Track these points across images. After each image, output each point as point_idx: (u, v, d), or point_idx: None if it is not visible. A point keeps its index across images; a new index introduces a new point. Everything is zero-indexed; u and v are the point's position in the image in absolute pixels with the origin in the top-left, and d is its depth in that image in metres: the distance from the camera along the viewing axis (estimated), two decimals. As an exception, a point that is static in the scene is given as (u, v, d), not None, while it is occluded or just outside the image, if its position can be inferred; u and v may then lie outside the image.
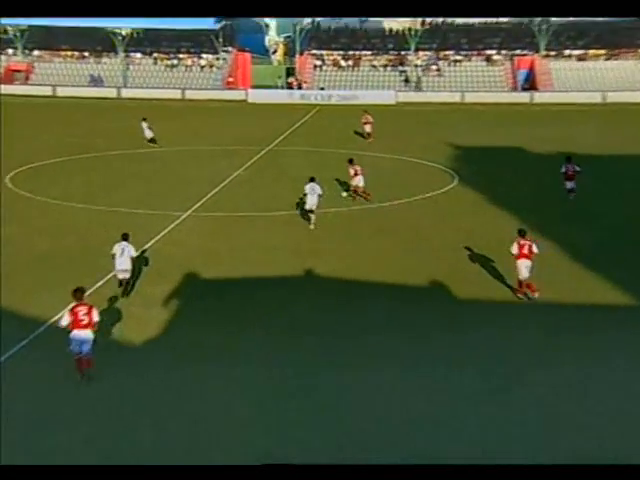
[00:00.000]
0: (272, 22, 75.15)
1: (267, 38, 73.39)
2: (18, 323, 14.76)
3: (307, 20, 66.21)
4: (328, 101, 57.58)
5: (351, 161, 25.41)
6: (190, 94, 59.47)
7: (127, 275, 16.51)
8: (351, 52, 64.92)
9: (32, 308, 15.44)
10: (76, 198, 24.87)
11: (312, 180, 22.33)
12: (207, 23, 60.22)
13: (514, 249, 16.27)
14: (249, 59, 64.88)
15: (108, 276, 17.21)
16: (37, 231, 21.18)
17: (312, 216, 21.97)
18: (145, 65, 64.02)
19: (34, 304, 15.66)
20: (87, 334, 12.66)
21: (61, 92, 59.03)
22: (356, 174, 24.88)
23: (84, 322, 12.69)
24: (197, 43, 64.97)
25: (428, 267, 18.38)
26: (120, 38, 61.91)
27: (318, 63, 64.25)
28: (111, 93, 59.37)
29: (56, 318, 14.78)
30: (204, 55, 64.33)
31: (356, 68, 63.68)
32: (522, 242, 16.31)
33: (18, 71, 62.41)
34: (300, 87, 60.64)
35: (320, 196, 22.01)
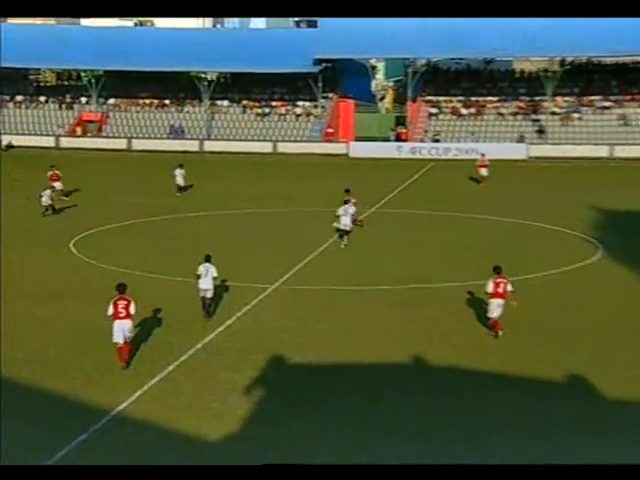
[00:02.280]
0: (380, 64, 77.09)
1: (374, 83, 75.24)
2: (76, 414, 15.39)
3: (421, 61, 67.56)
4: (444, 155, 58.00)
5: (347, 191, 31.23)
6: (283, 147, 61.39)
7: (209, 294, 20.73)
8: (474, 98, 65.58)
9: (93, 396, 16.14)
10: (147, 266, 25.91)
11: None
12: (305, 66, 62.20)
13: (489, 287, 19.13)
14: (352, 107, 66.53)
15: (182, 357, 17.89)
16: (101, 305, 22.20)
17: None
18: (232, 114, 66.70)
19: (96, 391, 16.38)
20: (125, 324, 17.58)
21: (137, 145, 62.32)
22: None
23: (122, 314, 17.61)
24: (293, 89, 67.34)
25: (567, 358, 18.03)
26: (205, 84, 65.01)
27: (434, 111, 65.15)
28: (193, 146, 62.06)
29: (121, 408, 15.45)
30: (300, 102, 66.48)
31: (479, 117, 64.10)
32: (497, 280, 19.01)
33: (91, 122, 66.50)
34: (405, 140, 61.59)
35: None
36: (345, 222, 29.30)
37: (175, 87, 68.20)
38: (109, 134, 65.13)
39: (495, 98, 65.48)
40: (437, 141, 61.09)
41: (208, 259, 21.01)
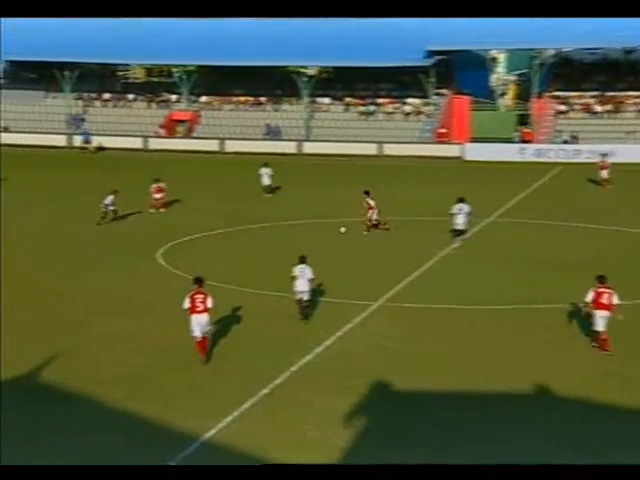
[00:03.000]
0: (501, 55, 76.08)
1: (493, 77, 74.37)
2: (159, 440, 15.75)
3: (550, 52, 66.36)
4: (575, 158, 56.83)
5: (367, 193, 34.64)
6: (389, 149, 61.36)
7: (306, 297, 22.18)
8: (610, 93, 64.01)
9: (179, 420, 16.45)
10: (238, 279, 26.34)
11: None
12: (415, 59, 62.03)
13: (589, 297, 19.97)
14: (468, 104, 65.96)
15: (276, 381, 18.13)
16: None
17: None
18: (334, 112, 67.16)
19: (181, 415, 16.71)
20: (203, 318, 19.29)
21: (230, 146, 63.56)
22: (370, 208, 33.88)
23: (200, 308, 19.27)
24: (401, 84, 67.29)
25: None
26: (305, 79, 65.73)
27: (562, 108, 63.93)
28: (290, 147, 62.80)
29: (209, 435, 15.77)
30: (409, 99, 66.38)
31: (617, 114, 62.53)
32: (600, 290, 19.72)
33: (181, 121, 68.22)
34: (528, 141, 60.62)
35: None
36: (459, 221, 31.50)
37: (272, 83, 69.13)
38: (200, 134, 66.57)
39: (636, 93, 63.68)
40: (566, 142, 59.88)
41: (303, 260, 22.37)
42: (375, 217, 34.40)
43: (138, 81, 75.62)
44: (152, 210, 38.56)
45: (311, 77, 66.16)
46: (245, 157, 59.25)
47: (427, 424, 16.59)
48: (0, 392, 17.60)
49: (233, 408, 16.86)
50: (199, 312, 19.34)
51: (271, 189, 43.14)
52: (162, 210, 38.91)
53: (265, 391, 17.76)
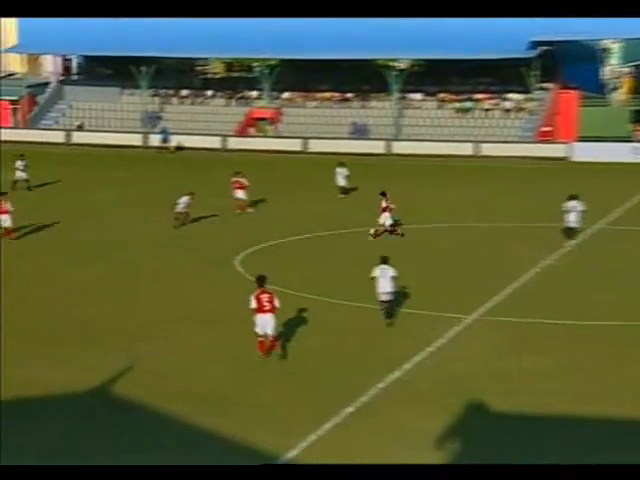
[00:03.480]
0: (615, 45, 74.40)
1: (605, 69, 72.83)
2: (235, 458, 15.80)
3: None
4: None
5: (384, 194, 34.93)
6: (487, 149, 60.66)
7: (388, 297, 23.07)
8: None
9: (255, 438, 16.49)
10: (320, 289, 26.49)
11: None
12: (517, 50, 61.08)
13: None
14: (576, 99, 64.84)
15: (362, 398, 18.00)
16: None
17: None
18: (426, 109, 66.90)
19: (259, 432, 16.75)
20: (270, 318, 20.51)
21: (314, 146, 63.72)
22: (385, 210, 34.19)
23: (267, 307, 20.55)
24: (501, 78, 66.49)
25: None
26: (395, 74, 65.51)
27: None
28: (378, 147, 62.59)
29: (291, 455, 15.75)
30: (510, 95, 65.65)
31: None
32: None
33: (262, 119, 68.75)
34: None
35: None
36: (572, 219, 32.29)
37: (359, 78, 69.16)
38: (282, 133, 67.01)
39: None
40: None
41: (385, 261, 23.43)
42: (389, 221, 34.38)
43: (217, 76, 76.55)
44: (238, 211, 39.10)
45: (402, 71, 65.98)
46: (329, 157, 59.26)
47: (530, 448, 16.21)
48: (0, 392, 18.24)
49: (315, 427, 16.84)
50: (266, 312, 20.56)
51: (345, 190, 43.83)
52: (249, 210, 39.43)
53: (350, 409, 17.71)
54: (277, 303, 20.70)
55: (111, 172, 52.39)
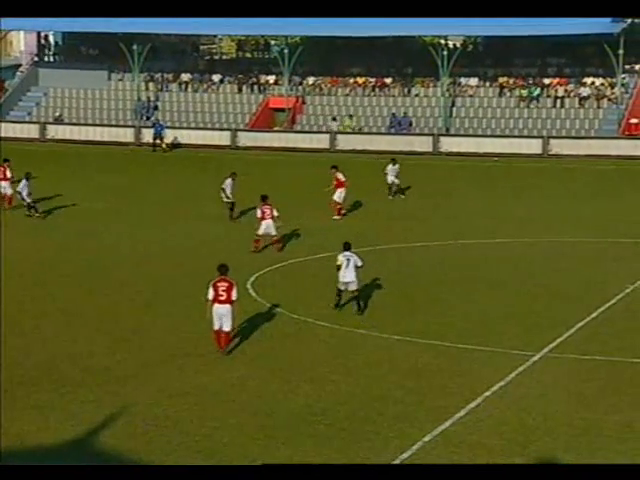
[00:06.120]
0: None
1: None
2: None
3: None
4: None
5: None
6: (558, 145, 60.21)
7: (352, 287, 26.55)
8: None
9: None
10: (350, 318, 26.53)
11: None
12: (597, 24, 60.04)
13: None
14: (673, 85, 64.64)
15: (414, 447, 17.86)
16: (294, 374, 22.58)
17: None
18: (483, 97, 66.58)
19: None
20: (226, 309, 22.85)
21: (343, 142, 63.36)
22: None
23: (223, 297, 22.80)
24: (576, 59, 66.23)
25: None
26: (445, 53, 65.02)
27: None
28: (423, 144, 62.15)
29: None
30: (588, 79, 65.32)
31: None
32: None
33: (281, 110, 68.55)
34: None
35: None
36: None
37: (400, 59, 69.14)
38: (305, 127, 66.90)
39: None
40: None
41: (348, 247, 26.72)
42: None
43: (226, 57, 76.67)
44: (336, 217, 40.23)
45: (452, 50, 65.66)
46: (363, 157, 59.07)
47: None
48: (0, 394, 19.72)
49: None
50: (223, 302, 22.88)
51: (399, 190, 45.99)
52: (337, 217, 40.38)
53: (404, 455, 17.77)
54: (235, 295, 23.02)
55: (98, 175, 52.33)
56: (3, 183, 41.79)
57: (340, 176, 41.05)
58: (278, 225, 34.41)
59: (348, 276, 26.40)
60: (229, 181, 39.53)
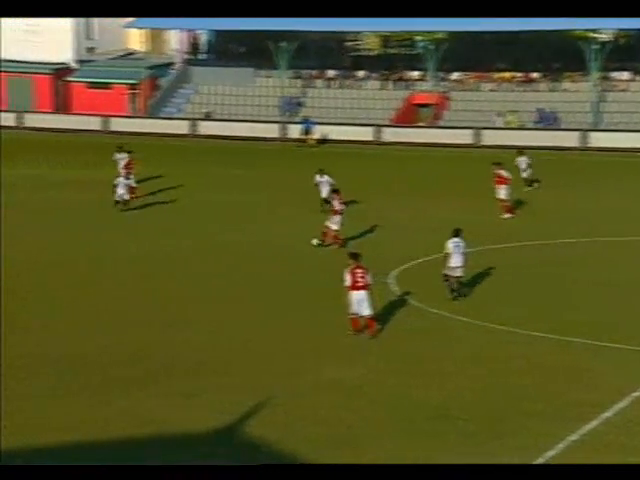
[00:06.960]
0: None
1: None
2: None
3: None
4: None
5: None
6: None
7: (458, 273, 27.29)
8: None
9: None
10: (493, 314, 26.40)
11: None
12: None
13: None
14: None
15: (559, 446, 17.53)
16: (428, 369, 22.52)
17: None
18: (635, 92, 65.09)
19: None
20: (364, 294, 23.71)
21: (488, 138, 62.43)
22: (335, 213, 34.82)
23: (360, 283, 23.71)
24: None
25: None
26: (595, 47, 63.59)
27: None
28: (571, 139, 61.51)
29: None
30: None
31: None
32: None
33: (425, 105, 68.37)
34: None
35: None
36: None
37: (547, 54, 68.24)
38: (449, 123, 66.61)
39: None
40: None
41: (457, 234, 27.35)
42: (335, 227, 34.57)
43: (371, 54, 76.73)
44: (507, 215, 39.93)
45: (604, 44, 64.39)
46: (508, 152, 58.27)
47: None
48: (0, 396, 19.88)
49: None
50: (360, 287, 23.68)
51: (530, 182, 46.14)
52: (508, 216, 40.05)
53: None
54: (369, 279, 23.89)
55: (246, 169, 52.90)
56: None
57: (503, 173, 40.80)
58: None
59: (458, 261, 27.03)
60: (318, 177, 40.30)
